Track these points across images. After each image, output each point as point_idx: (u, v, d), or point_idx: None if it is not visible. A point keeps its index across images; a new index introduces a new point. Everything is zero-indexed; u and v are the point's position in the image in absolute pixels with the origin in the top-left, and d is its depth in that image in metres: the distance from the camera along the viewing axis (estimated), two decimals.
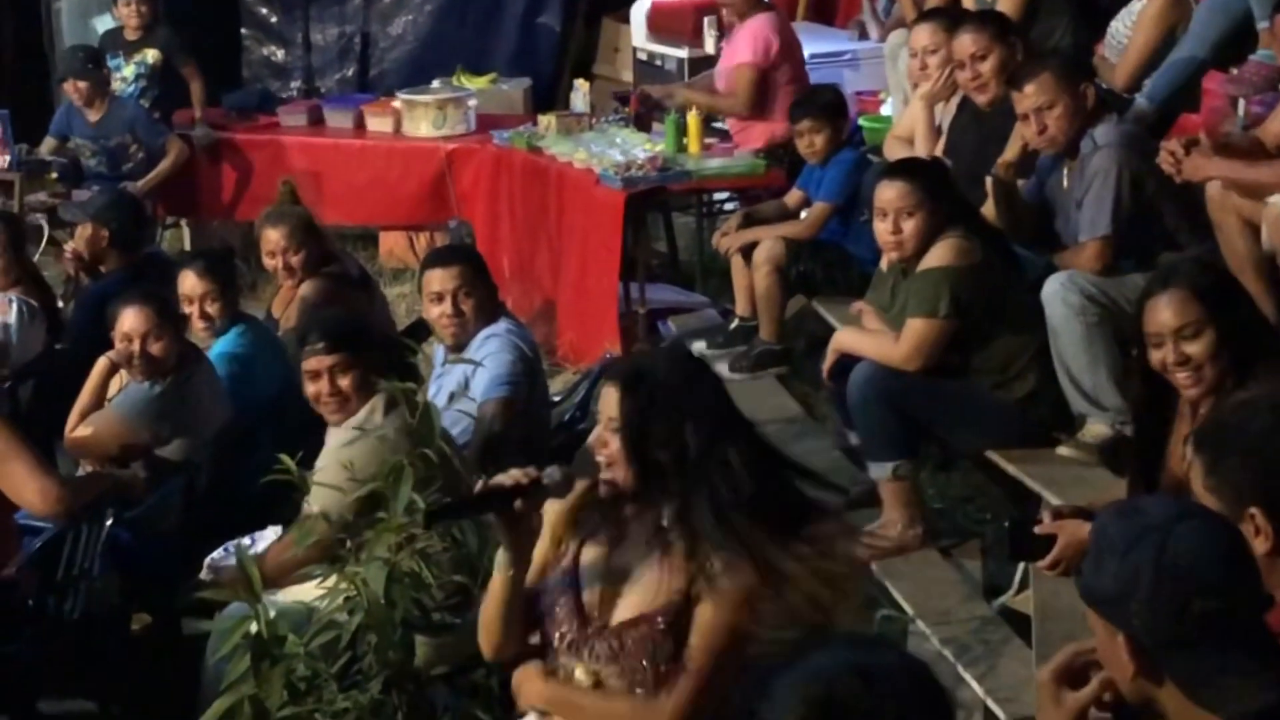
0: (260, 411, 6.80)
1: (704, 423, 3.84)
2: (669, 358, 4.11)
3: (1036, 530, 4.41)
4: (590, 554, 3.93)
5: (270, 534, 5.79)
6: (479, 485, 3.86)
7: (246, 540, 5.77)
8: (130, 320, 6.52)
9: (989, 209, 6.81)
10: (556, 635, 3.92)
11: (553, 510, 3.94)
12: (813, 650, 2.18)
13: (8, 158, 10.61)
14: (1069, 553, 4.30)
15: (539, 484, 3.84)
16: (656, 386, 3.83)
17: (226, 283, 7.12)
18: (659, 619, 3.79)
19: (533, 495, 3.85)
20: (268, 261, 7.68)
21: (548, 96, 11.97)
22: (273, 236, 7.60)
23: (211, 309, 6.98)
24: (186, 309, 6.95)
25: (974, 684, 5.50)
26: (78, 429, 6.61)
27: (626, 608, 3.84)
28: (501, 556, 3.91)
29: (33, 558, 5.66)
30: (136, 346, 6.48)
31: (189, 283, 7.00)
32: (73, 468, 6.59)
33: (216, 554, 5.75)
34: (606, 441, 3.82)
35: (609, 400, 3.85)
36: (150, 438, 6.48)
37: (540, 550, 3.99)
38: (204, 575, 5.69)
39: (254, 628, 4.72)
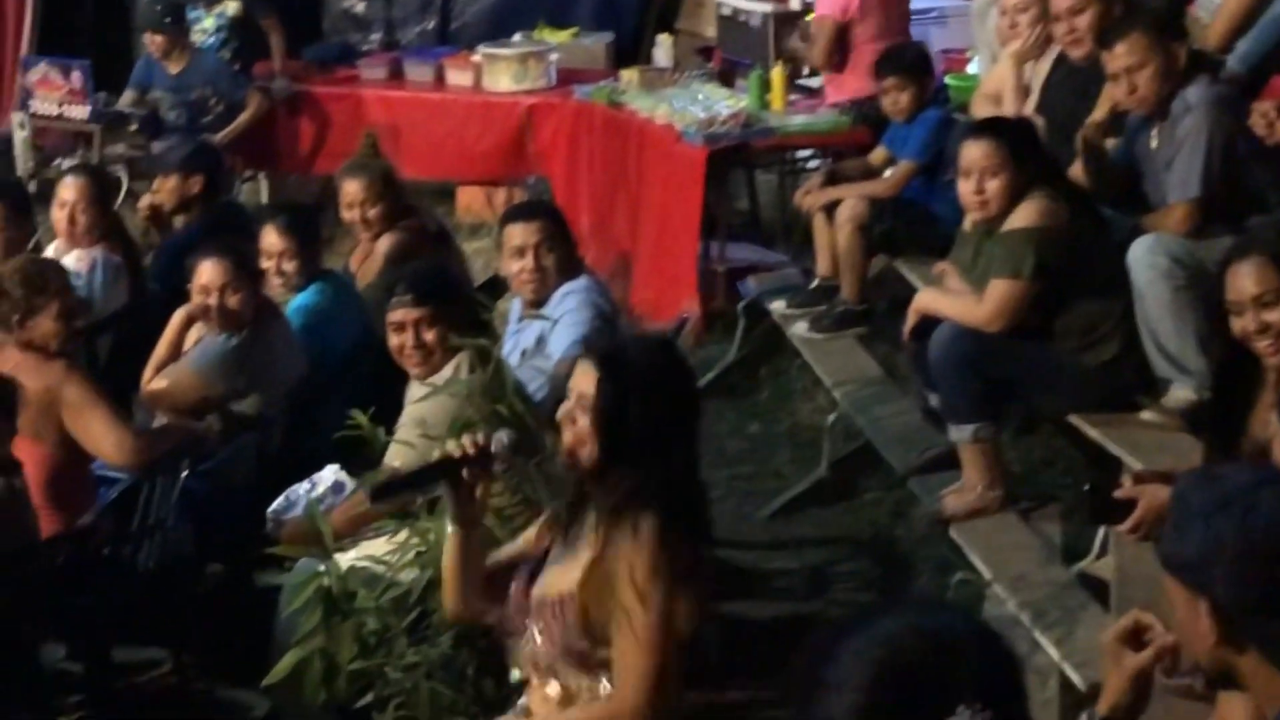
0: (335, 366, 6.78)
1: (674, 416, 3.80)
2: (650, 346, 4.04)
3: (1117, 494, 4.34)
4: (556, 540, 3.89)
5: (328, 474, 5.76)
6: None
7: (305, 486, 5.75)
8: (208, 273, 6.50)
9: (1079, 169, 6.71)
10: (505, 616, 3.92)
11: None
12: (880, 614, 2.14)
13: (87, 109, 10.62)
14: (1149, 517, 4.22)
15: (486, 452, 3.81)
16: (636, 373, 3.78)
17: (306, 240, 7.09)
18: (571, 594, 3.74)
19: (480, 463, 3.82)
20: (345, 214, 7.66)
21: (630, 51, 11.86)
22: (352, 189, 7.57)
23: (289, 266, 6.97)
24: (265, 264, 6.94)
25: (1050, 649, 5.45)
26: (154, 381, 6.61)
27: (548, 587, 3.81)
28: (449, 523, 3.90)
29: (108, 508, 5.67)
30: (214, 299, 6.46)
31: (269, 239, 7.00)
32: (149, 420, 6.59)
33: (277, 503, 5.73)
34: (575, 419, 3.76)
35: (585, 378, 3.78)
36: (225, 391, 6.47)
37: (526, 534, 4.04)
38: (268, 527, 5.67)
39: (325, 583, 4.72)
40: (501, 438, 3.84)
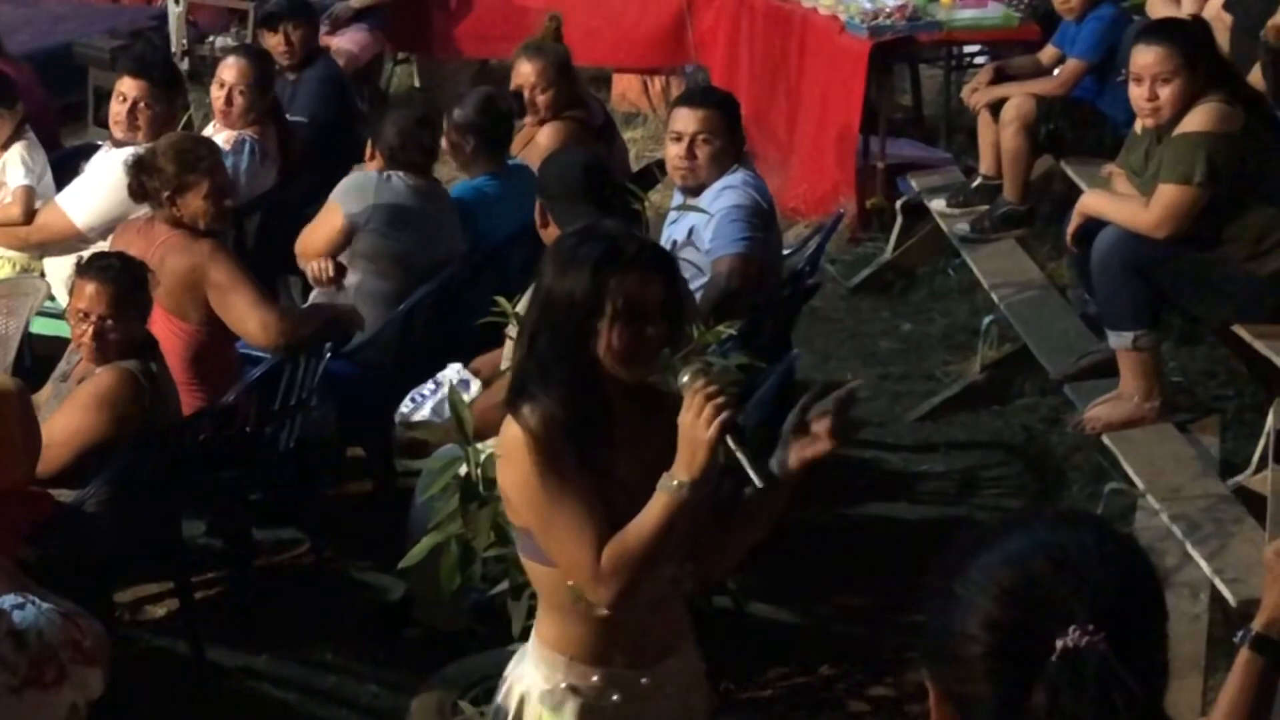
0: (486, 254, 6.72)
1: None
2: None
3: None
4: None
5: (451, 372, 5.70)
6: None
7: (430, 386, 5.69)
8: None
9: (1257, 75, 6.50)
10: None
11: None
12: (1014, 527, 2.07)
13: None
14: None
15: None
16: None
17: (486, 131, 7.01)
18: None
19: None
20: (523, 93, 7.55)
21: None
22: (525, 70, 7.49)
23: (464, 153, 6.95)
24: (446, 143, 6.92)
25: (1202, 563, 5.35)
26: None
27: None
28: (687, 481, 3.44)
29: (251, 387, 5.66)
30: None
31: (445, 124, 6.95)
32: (293, 301, 6.59)
33: (404, 406, 5.68)
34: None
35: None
36: (350, 223, 6.43)
37: None
38: (396, 431, 5.63)
39: (464, 469, 4.68)
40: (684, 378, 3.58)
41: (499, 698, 3.79)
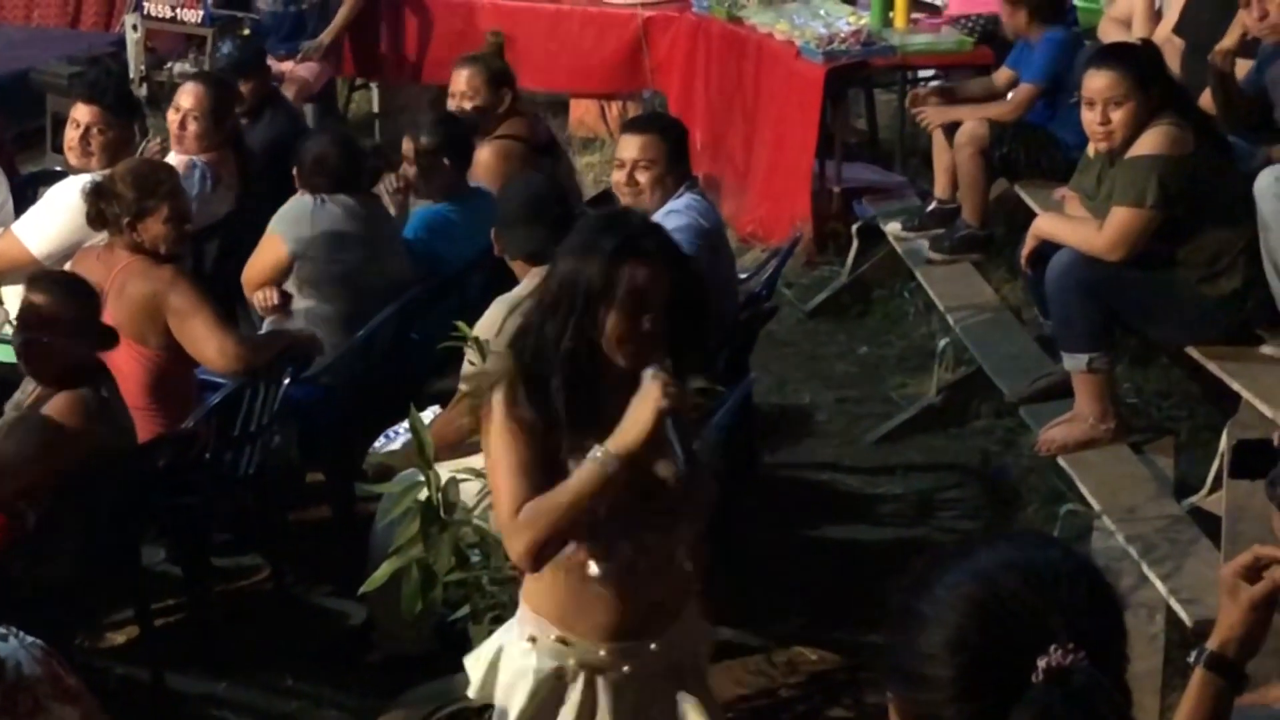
0: (445, 280, 6.74)
1: None
2: None
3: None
4: None
5: (427, 415, 5.71)
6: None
7: (404, 425, 5.69)
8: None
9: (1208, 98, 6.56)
10: None
11: None
12: (978, 547, 2.08)
13: (201, 12, 10.60)
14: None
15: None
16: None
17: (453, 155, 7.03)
18: None
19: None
20: (450, 104, 7.62)
21: None
22: (458, 77, 7.58)
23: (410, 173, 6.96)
24: (408, 169, 6.96)
25: (1158, 583, 5.38)
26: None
27: None
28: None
29: (211, 412, 5.67)
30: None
31: (407, 147, 6.96)
32: (252, 327, 6.59)
33: (377, 443, 5.69)
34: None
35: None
36: (290, 251, 6.48)
37: None
38: (367, 465, 5.63)
39: (424, 493, 4.68)
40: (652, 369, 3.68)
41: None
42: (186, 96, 7.42)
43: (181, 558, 5.99)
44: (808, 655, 5.79)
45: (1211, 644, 2.93)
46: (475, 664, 4.01)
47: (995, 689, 1.93)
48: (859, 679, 5.60)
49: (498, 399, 3.62)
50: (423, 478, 4.67)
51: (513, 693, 3.84)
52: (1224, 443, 5.64)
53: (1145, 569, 5.45)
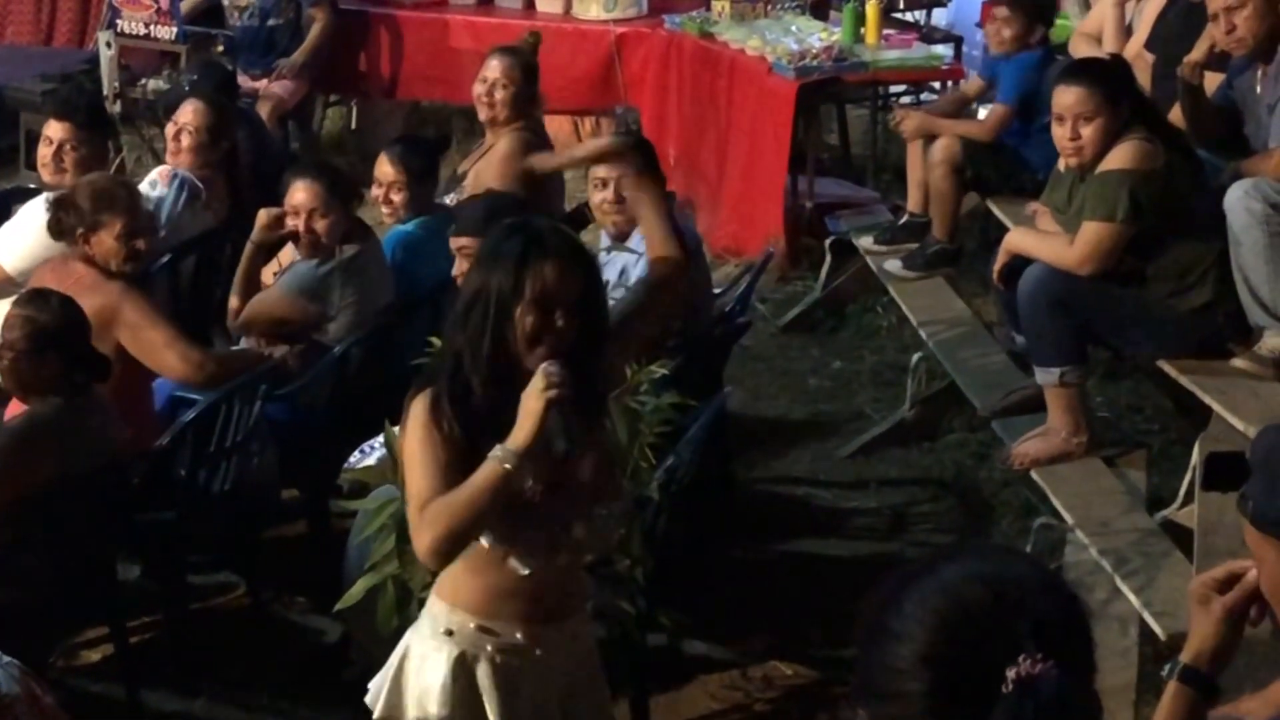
0: (420, 298, 6.74)
1: None
2: None
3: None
4: None
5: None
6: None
7: (379, 440, 5.71)
8: (299, 195, 6.46)
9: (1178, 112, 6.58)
10: None
11: None
12: (946, 561, 2.10)
13: (174, 29, 10.58)
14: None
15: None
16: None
17: (419, 174, 6.98)
18: None
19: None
20: (476, 87, 7.61)
21: None
22: (493, 65, 7.58)
23: (397, 197, 6.88)
24: (375, 192, 6.94)
25: (1131, 596, 5.40)
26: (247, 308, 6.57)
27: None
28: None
29: (186, 429, 5.66)
30: (303, 222, 6.43)
31: (383, 168, 6.92)
32: (229, 345, 6.59)
33: (353, 458, 5.69)
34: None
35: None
36: (316, 314, 6.44)
37: None
38: (342, 481, 5.64)
39: (399, 509, 4.69)
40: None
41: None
42: (185, 112, 7.43)
43: (157, 575, 5.99)
44: (782, 670, 5.80)
45: (1184, 657, 2.94)
46: (377, 682, 4.05)
47: (966, 701, 1.94)
48: (834, 693, 5.60)
49: (419, 406, 3.68)
50: (398, 493, 4.68)
51: (428, 696, 3.87)
52: (1196, 456, 5.67)
53: (1118, 582, 5.47)
